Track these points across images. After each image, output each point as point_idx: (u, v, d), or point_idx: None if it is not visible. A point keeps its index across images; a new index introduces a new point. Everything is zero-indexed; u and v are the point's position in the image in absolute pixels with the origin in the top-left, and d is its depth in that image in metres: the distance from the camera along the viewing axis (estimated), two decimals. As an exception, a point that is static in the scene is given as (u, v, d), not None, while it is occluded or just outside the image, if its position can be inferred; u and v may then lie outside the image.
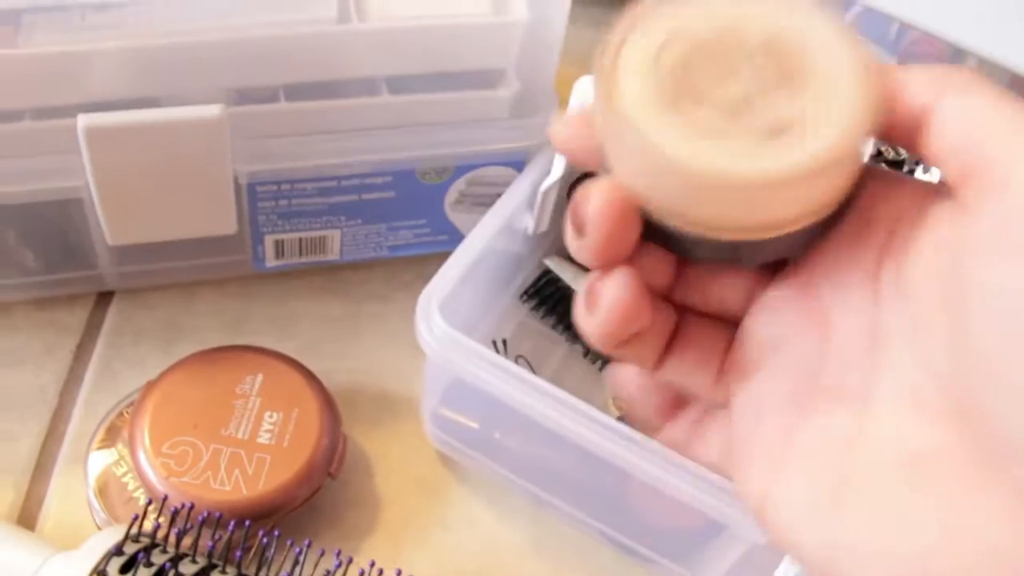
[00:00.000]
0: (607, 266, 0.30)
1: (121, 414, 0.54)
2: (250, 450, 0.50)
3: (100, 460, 0.53)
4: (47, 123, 0.51)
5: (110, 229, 0.54)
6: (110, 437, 0.54)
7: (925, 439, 0.26)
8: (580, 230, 0.29)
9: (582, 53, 0.53)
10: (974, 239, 0.25)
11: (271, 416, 0.52)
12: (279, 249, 0.61)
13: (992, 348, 0.24)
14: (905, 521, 0.26)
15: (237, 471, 0.50)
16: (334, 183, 0.57)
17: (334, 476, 0.52)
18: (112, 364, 0.59)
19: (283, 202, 0.58)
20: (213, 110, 0.51)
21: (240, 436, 0.51)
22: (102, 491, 0.52)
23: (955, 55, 0.69)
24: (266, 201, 0.57)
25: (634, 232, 0.29)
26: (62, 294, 0.61)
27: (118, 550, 0.44)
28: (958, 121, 0.26)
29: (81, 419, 0.56)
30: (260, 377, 0.53)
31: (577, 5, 0.56)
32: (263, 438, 0.51)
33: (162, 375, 0.53)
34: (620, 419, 0.46)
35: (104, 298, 0.62)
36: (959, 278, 0.25)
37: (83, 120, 0.49)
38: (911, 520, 0.26)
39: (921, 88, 0.27)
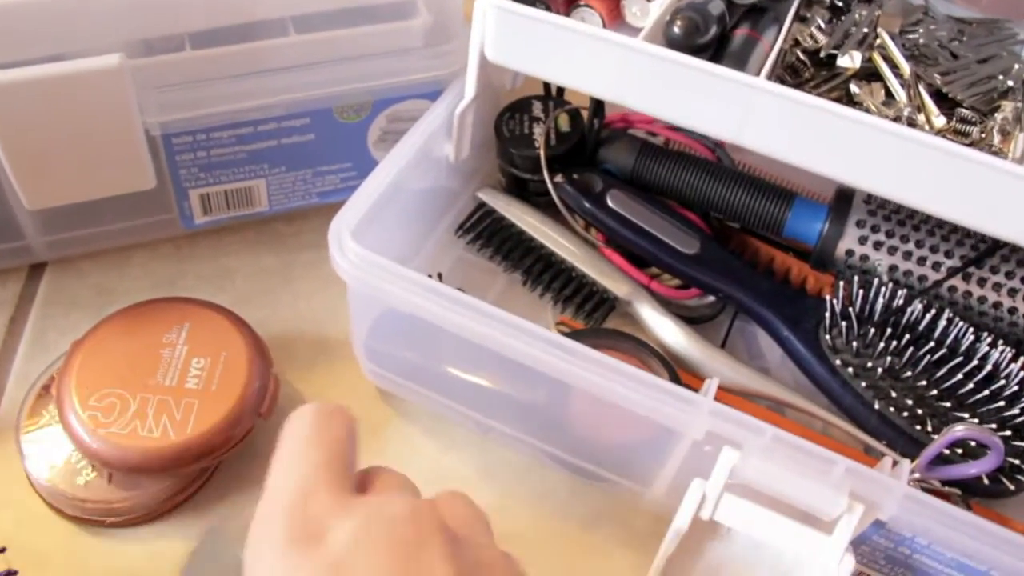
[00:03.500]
0: None
1: (52, 377, 0.54)
2: (178, 396, 0.50)
3: (33, 426, 0.52)
4: (-54, 88, 0.51)
5: (25, 192, 0.53)
6: (41, 401, 0.53)
7: None
8: None
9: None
10: None
11: (198, 362, 0.51)
12: (206, 204, 0.60)
13: None
14: None
15: (165, 418, 0.49)
16: (251, 129, 0.57)
17: (265, 416, 0.51)
18: (46, 335, 0.58)
19: (201, 153, 0.57)
20: (112, 59, 0.50)
21: (167, 384, 0.50)
22: (37, 455, 0.51)
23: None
24: (184, 153, 0.57)
25: None
26: (-7, 269, 0.61)
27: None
28: None
29: (14, 390, 0.56)
30: (187, 326, 0.53)
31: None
32: (190, 384, 0.50)
33: (88, 333, 0.53)
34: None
35: (36, 270, 0.62)
36: None
37: (-21, 79, 0.48)
38: None
39: None
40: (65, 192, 0.55)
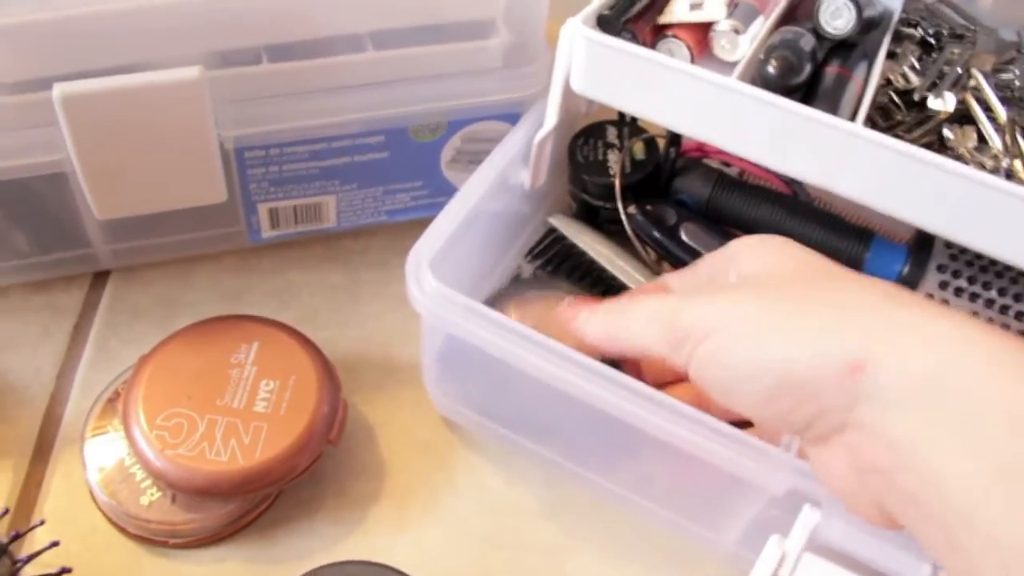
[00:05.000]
0: None
1: (116, 391, 0.53)
2: (246, 420, 0.49)
3: (97, 439, 0.52)
4: (25, 96, 0.50)
5: (96, 203, 0.53)
6: (106, 415, 0.53)
7: None
8: None
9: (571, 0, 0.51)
10: None
11: (267, 384, 0.51)
12: (274, 218, 0.59)
13: None
14: None
15: (233, 441, 0.48)
16: (325, 145, 0.56)
17: (334, 443, 0.51)
18: (109, 343, 0.58)
19: (273, 168, 0.56)
20: (191, 72, 0.49)
21: (236, 406, 0.50)
22: (101, 470, 0.50)
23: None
24: (256, 167, 0.56)
25: None
26: (58, 276, 0.60)
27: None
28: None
29: (79, 400, 0.55)
30: (256, 346, 0.52)
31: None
32: (259, 407, 0.50)
33: (155, 348, 0.52)
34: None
35: (100, 278, 0.61)
36: None
37: (59, 89, 0.48)
38: None
39: None
40: (136, 203, 0.54)
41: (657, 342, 0.39)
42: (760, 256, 0.41)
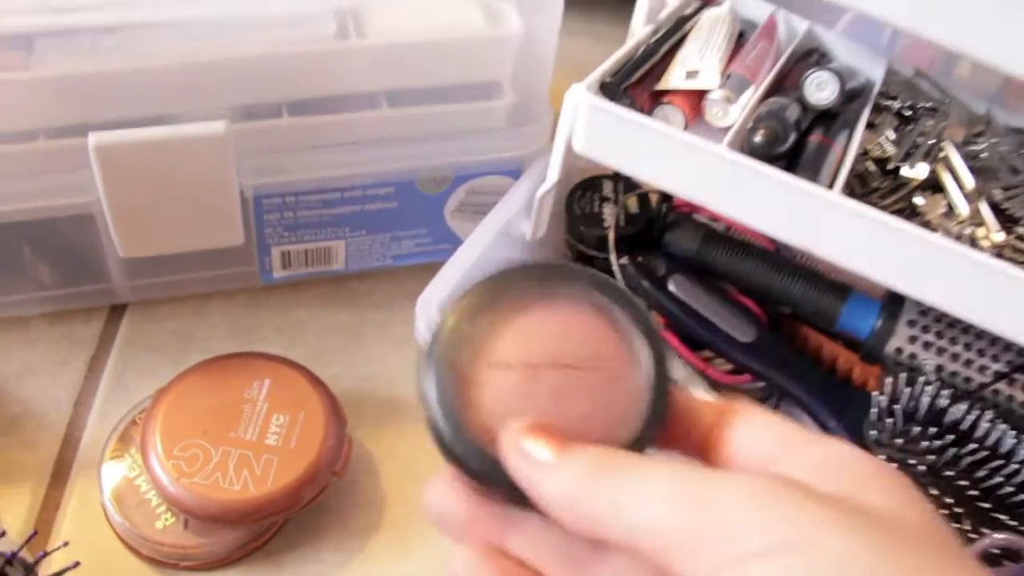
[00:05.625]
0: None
1: (134, 421, 0.56)
2: (258, 451, 0.52)
3: (114, 465, 0.54)
4: (60, 142, 0.54)
5: (122, 242, 0.56)
6: (123, 443, 0.55)
7: None
8: None
9: (574, 63, 0.55)
10: None
11: (278, 419, 0.54)
12: (286, 260, 0.63)
13: None
14: None
15: (246, 471, 0.51)
16: (337, 195, 0.59)
17: (340, 476, 0.54)
18: (125, 375, 0.61)
19: (288, 214, 0.60)
20: (218, 126, 0.53)
21: (248, 438, 0.53)
22: (116, 495, 0.53)
23: (947, 59, 0.71)
24: (272, 213, 0.59)
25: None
26: (77, 308, 0.63)
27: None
28: (749, 440, 0.29)
29: (95, 427, 0.58)
30: (267, 382, 0.55)
31: (566, 17, 0.58)
32: (271, 440, 0.53)
33: (172, 382, 0.55)
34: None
35: (117, 311, 0.64)
36: None
37: (94, 138, 0.51)
38: None
39: (709, 414, 0.30)
40: (159, 243, 0.57)
41: (673, 537, 0.25)
42: (888, 491, 0.26)
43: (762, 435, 0.29)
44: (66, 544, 0.49)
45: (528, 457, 0.28)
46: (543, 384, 0.29)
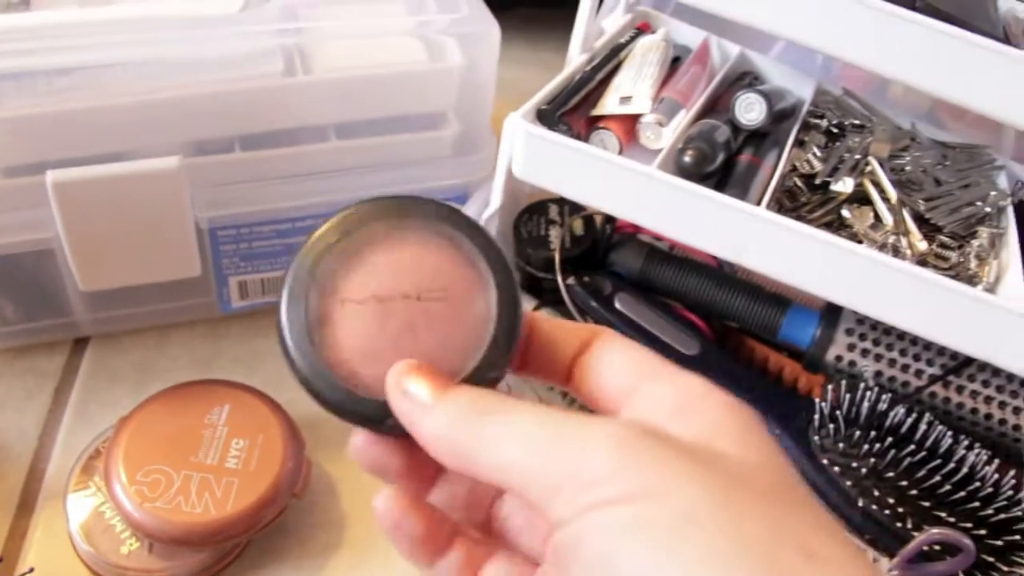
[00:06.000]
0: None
1: (97, 450, 0.58)
2: (219, 475, 0.54)
3: (79, 494, 0.56)
4: (19, 180, 0.55)
5: (81, 276, 0.58)
6: (87, 472, 0.57)
7: None
8: None
9: (519, 91, 0.57)
10: None
11: (238, 443, 0.55)
12: (243, 290, 0.64)
13: None
14: None
15: (207, 494, 0.53)
16: (290, 225, 0.61)
17: (299, 497, 0.55)
18: (88, 406, 0.62)
19: (243, 245, 0.62)
20: (171, 161, 0.55)
21: (209, 462, 0.54)
22: (82, 523, 0.55)
23: (883, 80, 0.74)
24: (227, 244, 0.61)
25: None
26: (40, 341, 0.65)
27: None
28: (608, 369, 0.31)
29: (60, 458, 0.60)
30: (227, 407, 0.57)
31: (513, 47, 0.61)
32: (231, 463, 0.54)
33: (134, 411, 0.57)
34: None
35: (80, 344, 0.66)
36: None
37: (52, 176, 0.53)
38: None
39: (573, 342, 0.32)
40: (118, 276, 0.59)
41: (533, 477, 0.27)
42: (736, 435, 0.28)
43: (619, 364, 0.31)
44: (32, 570, 0.50)
45: (409, 397, 0.30)
46: (396, 317, 0.31)
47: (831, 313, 0.62)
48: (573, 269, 0.64)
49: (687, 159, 0.54)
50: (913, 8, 0.49)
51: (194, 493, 0.53)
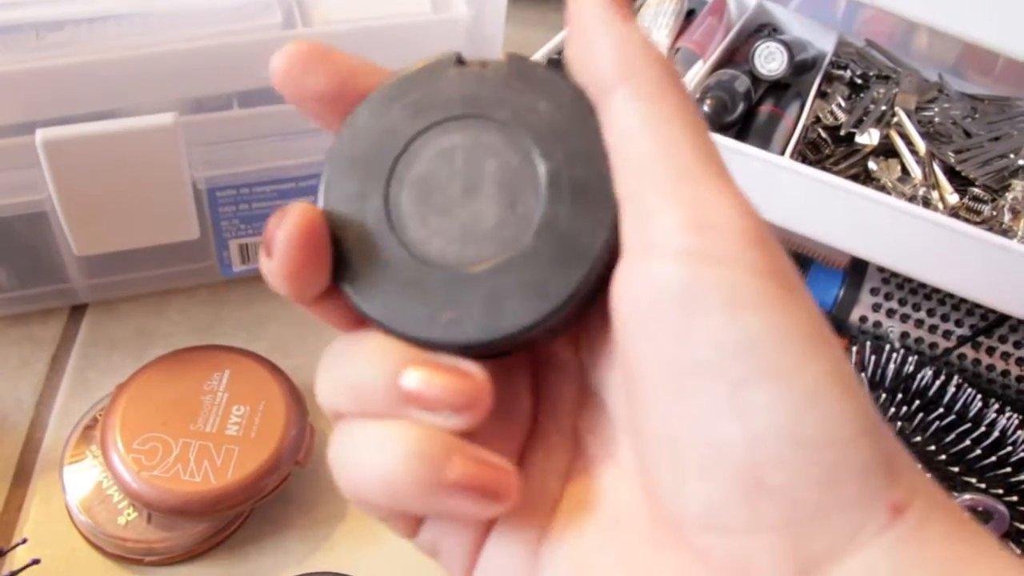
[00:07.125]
0: (296, 299, 0.27)
1: (94, 419, 0.56)
2: (218, 442, 0.52)
3: (76, 464, 0.54)
4: (8, 140, 0.53)
5: (75, 240, 0.56)
6: (85, 441, 0.55)
7: (624, 501, 0.26)
8: (268, 250, 0.25)
9: (526, 53, 0.55)
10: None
11: (238, 409, 0.53)
12: (244, 253, 0.62)
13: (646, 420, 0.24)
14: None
15: (206, 463, 0.51)
16: (292, 184, 0.59)
17: (302, 464, 0.53)
18: (86, 373, 0.61)
19: (243, 206, 0.59)
20: (166, 118, 0.52)
21: (208, 430, 0.52)
22: (79, 493, 0.53)
23: (907, 30, 0.71)
24: (227, 206, 0.59)
25: (323, 271, 0.26)
26: (37, 309, 0.63)
27: None
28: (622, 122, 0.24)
29: (58, 427, 0.58)
30: (227, 373, 0.55)
31: (519, 7, 0.58)
32: (231, 430, 0.52)
33: (131, 377, 0.55)
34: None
35: (78, 311, 0.64)
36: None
37: (41, 134, 0.51)
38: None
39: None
40: (113, 240, 0.57)
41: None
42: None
43: None
44: (25, 541, 0.49)
45: None
46: None
47: (855, 272, 0.59)
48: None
49: (706, 108, 0.52)
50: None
51: (193, 461, 0.51)
